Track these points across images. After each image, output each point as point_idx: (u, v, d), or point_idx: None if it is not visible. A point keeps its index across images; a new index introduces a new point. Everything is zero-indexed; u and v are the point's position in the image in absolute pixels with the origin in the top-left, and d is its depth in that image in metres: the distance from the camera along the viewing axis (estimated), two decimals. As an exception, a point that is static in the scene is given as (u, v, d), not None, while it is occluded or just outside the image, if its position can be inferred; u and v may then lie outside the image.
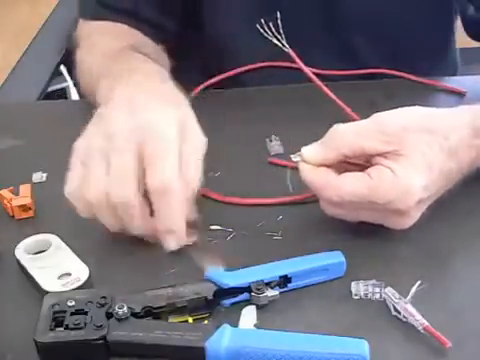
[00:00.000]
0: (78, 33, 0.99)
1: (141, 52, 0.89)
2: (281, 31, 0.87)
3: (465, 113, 0.73)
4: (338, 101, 0.86)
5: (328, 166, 0.68)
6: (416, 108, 0.71)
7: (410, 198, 0.66)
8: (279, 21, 0.87)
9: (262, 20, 0.89)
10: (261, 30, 0.88)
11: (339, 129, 0.69)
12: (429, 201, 0.70)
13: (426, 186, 0.67)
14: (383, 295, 0.64)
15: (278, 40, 0.87)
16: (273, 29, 0.87)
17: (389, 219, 0.69)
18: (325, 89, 0.87)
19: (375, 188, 0.66)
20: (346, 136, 0.68)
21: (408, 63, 0.98)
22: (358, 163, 0.69)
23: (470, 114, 0.72)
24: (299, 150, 0.69)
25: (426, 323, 0.60)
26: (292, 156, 0.69)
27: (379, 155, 0.67)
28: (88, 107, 0.91)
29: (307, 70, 0.88)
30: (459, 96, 0.93)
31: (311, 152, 0.69)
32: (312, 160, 0.68)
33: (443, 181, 0.69)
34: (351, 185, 0.67)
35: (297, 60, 0.88)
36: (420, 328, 0.60)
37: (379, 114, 0.70)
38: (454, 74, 1.10)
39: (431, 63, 1.03)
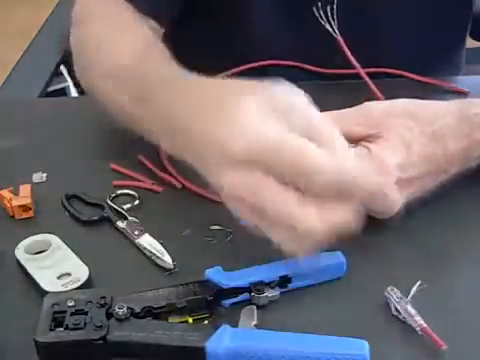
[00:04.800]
0: (75, 12, 0.91)
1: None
2: (335, 17, 0.90)
3: (452, 103, 0.74)
4: (381, 96, 0.88)
5: None
6: (404, 99, 0.73)
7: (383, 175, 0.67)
8: (335, 6, 0.90)
9: (319, 3, 0.91)
10: (316, 14, 0.91)
11: (325, 115, 0.69)
12: (412, 185, 0.69)
13: (402, 165, 0.68)
14: (384, 294, 0.64)
15: (330, 25, 0.90)
16: (329, 14, 0.90)
17: (371, 203, 0.68)
18: (371, 85, 0.90)
19: None
20: (331, 120, 0.69)
21: (425, 64, 0.98)
22: None
23: (458, 104, 0.73)
24: None
25: (424, 324, 0.60)
26: None
27: (362, 140, 0.69)
28: (88, 106, 0.91)
29: (354, 61, 0.91)
30: (461, 96, 0.93)
31: None
32: None
33: (427, 165, 0.69)
34: None
35: (345, 49, 0.91)
36: (417, 329, 0.60)
37: (366, 102, 0.72)
38: (458, 74, 1.10)
39: (446, 63, 1.04)
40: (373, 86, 0.89)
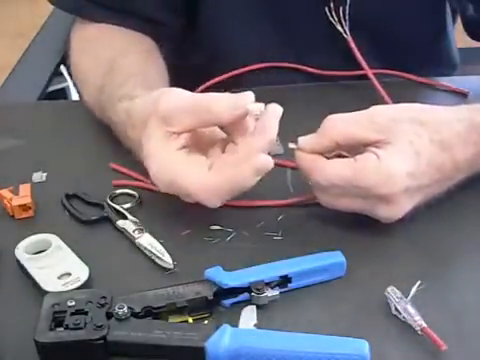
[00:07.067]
0: (71, 36, 0.98)
1: (119, 66, 0.87)
2: (347, 17, 0.91)
3: (462, 110, 0.73)
4: (386, 98, 0.88)
5: (321, 154, 0.70)
6: (412, 104, 0.72)
7: (393, 183, 0.67)
8: (347, 7, 0.91)
9: (331, 4, 0.92)
10: (328, 14, 0.92)
11: (332, 118, 0.71)
12: (420, 192, 0.69)
13: (412, 174, 0.68)
14: (384, 294, 0.64)
15: (341, 26, 0.91)
16: (341, 14, 0.91)
17: (377, 208, 0.68)
18: (378, 86, 0.89)
19: (358, 171, 0.67)
20: (338, 124, 0.70)
21: (402, 60, 0.99)
22: (352, 156, 0.70)
23: (468, 111, 0.73)
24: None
25: (424, 325, 0.60)
26: (289, 143, 0.72)
27: (370, 144, 0.69)
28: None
29: (363, 61, 0.91)
30: (461, 96, 0.93)
31: (305, 140, 0.71)
32: (306, 147, 0.70)
33: (435, 173, 0.69)
34: (336, 168, 0.68)
35: (355, 50, 0.91)
36: (417, 329, 0.60)
37: (373, 107, 0.71)
38: (453, 73, 1.11)
39: (425, 60, 1.04)
40: (381, 88, 0.89)
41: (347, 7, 0.91)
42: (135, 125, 0.75)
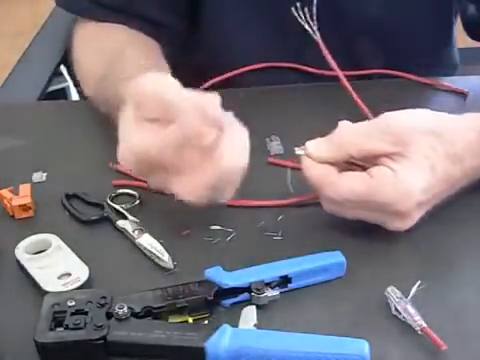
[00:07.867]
0: (73, 36, 0.99)
1: (120, 60, 0.86)
2: (314, 18, 0.89)
3: (474, 119, 0.72)
4: (358, 100, 0.87)
5: (331, 164, 0.68)
6: (425, 111, 0.71)
7: (410, 200, 0.66)
8: (314, 8, 0.88)
9: (298, 4, 0.90)
10: (295, 14, 0.89)
11: (347, 128, 0.69)
12: (429, 205, 0.69)
13: (426, 189, 0.67)
14: (384, 294, 0.64)
15: (310, 26, 0.89)
16: (307, 15, 0.89)
17: (388, 220, 0.68)
18: (348, 86, 0.88)
19: (375, 188, 0.66)
20: (354, 136, 0.68)
21: (407, 62, 0.99)
22: (362, 165, 0.69)
23: (478, 120, 0.72)
24: (303, 145, 0.69)
25: (424, 325, 0.60)
26: (296, 149, 0.69)
27: (383, 156, 0.67)
28: (88, 107, 0.91)
29: (333, 62, 0.89)
30: (461, 96, 0.93)
31: (316, 148, 0.68)
32: (316, 156, 0.68)
33: (445, 186, 0.69)
34: (351, 184, 0.67)
35: (325, 52, 0.89)
36: (417, 329, 0.60)
37: (387, 114, 0.69)
38: (453, 73, 1.11)
39: (430, 62, 1.04)
40: (352, 90, 0.87)
41: (314, 7, 0.90)
42: (124, 100, 0.72)
